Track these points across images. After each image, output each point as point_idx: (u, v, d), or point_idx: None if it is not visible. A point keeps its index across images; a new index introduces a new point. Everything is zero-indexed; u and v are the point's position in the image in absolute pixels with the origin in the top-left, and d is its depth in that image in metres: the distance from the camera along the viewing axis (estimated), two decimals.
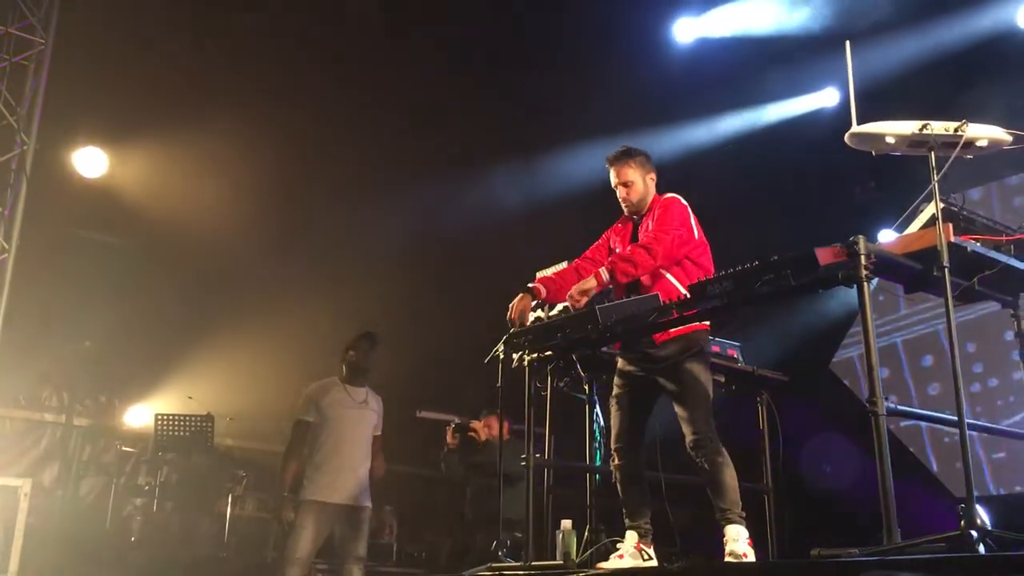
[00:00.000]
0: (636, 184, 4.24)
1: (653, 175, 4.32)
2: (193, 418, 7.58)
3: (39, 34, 7.51)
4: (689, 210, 4.17)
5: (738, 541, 3.69)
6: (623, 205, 4.32)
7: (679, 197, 4.22)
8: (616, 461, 4.12)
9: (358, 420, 5.60)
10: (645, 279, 4.02)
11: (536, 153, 8.69)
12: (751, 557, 3.68)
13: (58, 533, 7.25)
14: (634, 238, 4.24)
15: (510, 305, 4.23)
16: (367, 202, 8.82)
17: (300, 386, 6.97)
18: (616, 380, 4.20)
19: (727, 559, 3.68)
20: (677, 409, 3.93)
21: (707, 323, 4.06)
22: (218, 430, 7.71)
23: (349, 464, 5.47)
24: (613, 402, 4.18)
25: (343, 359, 5.76)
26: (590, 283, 4.02)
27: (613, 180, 4.31)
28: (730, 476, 3.81)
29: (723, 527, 3.77)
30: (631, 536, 4.02)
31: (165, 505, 7.64)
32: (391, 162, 8.73)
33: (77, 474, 8.26)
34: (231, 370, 8.25)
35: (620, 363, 4.20)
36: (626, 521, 4.09)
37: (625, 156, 4.27)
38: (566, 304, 4.40)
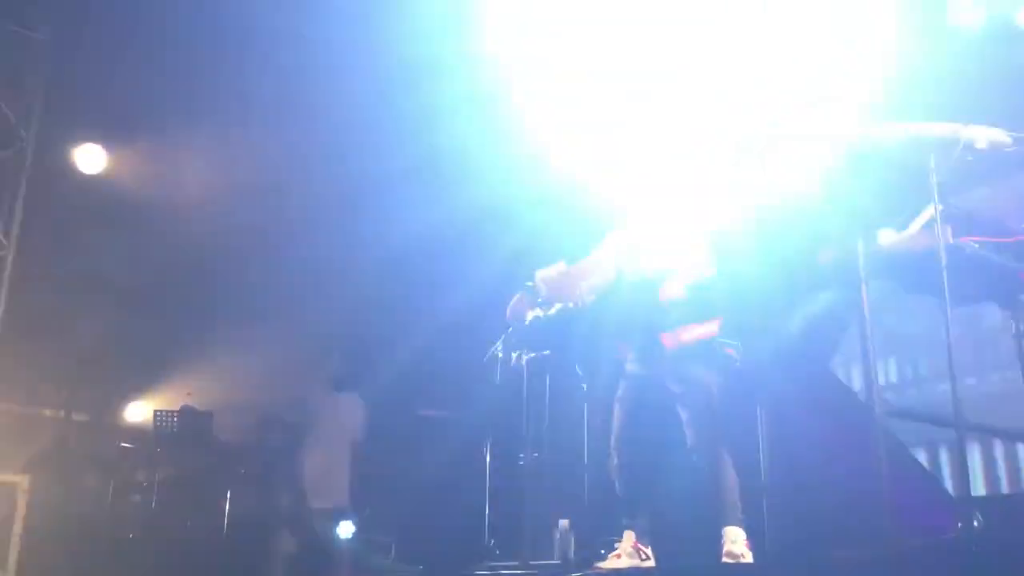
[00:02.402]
0: None
1: None
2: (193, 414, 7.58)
3: (39, 30, 7.49)
4: None
5: (736, 543, 3.69)
6: None
7: None
8: (616, 460, 4.12)
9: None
10: None
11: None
12: (749, 558, 3.68)
13: (56, 530, 7.23)
14: None
15: (510, 303, 4.23)
16: (368, 198, 8.80)
17: (300, 381, 7.03)
18: (622, 381, 4.21)
19: (724, 559, 3.69)
20: (681, 411, 3.93)
21: (715, 328, 4.05)
22: (218, 426, 7.71)
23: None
24: (617, 402, 4.18)
25: None
26: (599, 280, 4.01)
27: None
28: (730, 479, 3.81)
29: (722, 529, 3.78)
30: (629, 535, 4.02)
31: (164, 501, 7.63)
32: (387, 163, 8.70)
33: (76, 470, 8.26)
34: (232, 366, 8.25)
35: (628, 364, 4.20)
36: (624, 520, 4.09)
37: None
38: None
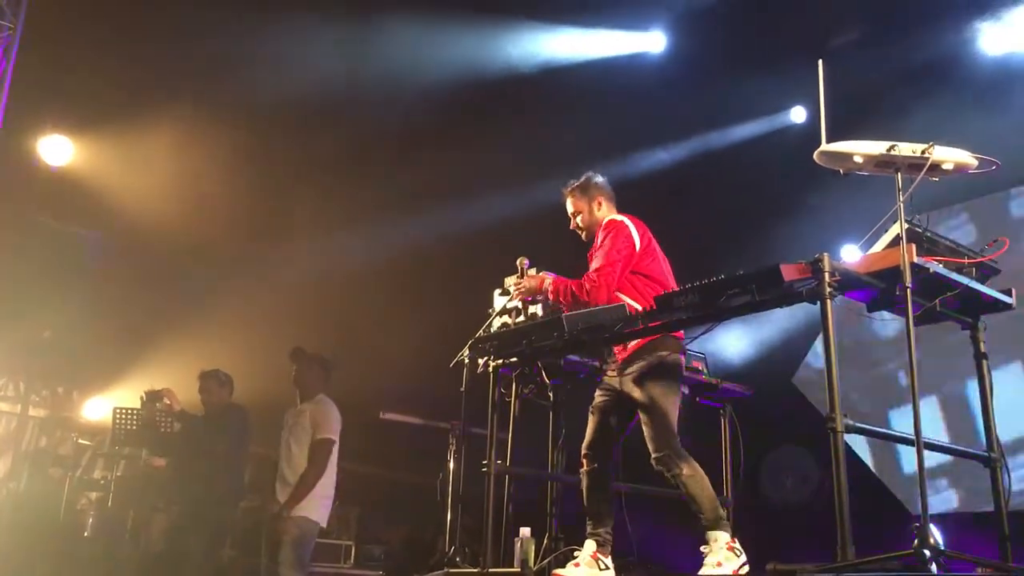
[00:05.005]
0: (582, 214, 4.39)
1: (600, 198, 4.37)
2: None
3: (7, 18, 7.38)
4: (629, 227, 4.16)
5: (715, 551, 3.69)
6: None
7: (616, 218, 4.24)
8: (584, 467, 4.12)
9: (287, 438, 6.00)
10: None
11: (498, 181, 8.71)
12: (726, 568, 3.66)
13: (10, 525, 7.12)
14: None
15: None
16: (338, 199, 8.77)
17: (263, 382, 6.95)
18: (597, 390, 4.22)
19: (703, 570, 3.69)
20: (642, 422, 3.94)
21: (679, 332, 4.06)
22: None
23: (281, 479, 5.90)
24: (591, 409, 4.19)
25: None
26: (539, 285, 4.22)
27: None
28: (699, 487, 3.80)
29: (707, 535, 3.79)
30: (589, 544, 4.01)
31: (120, 500, 7.51)
32: (361, 161, 8.69)
33: (31, 466, 8.12)
34: (193, 364, 8.16)
35: (603, 374, 4.24)
36: (587, 528, 4.08)
37: (569, 189, 4.44)
38: (534, 310, 4.43)
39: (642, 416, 3.93)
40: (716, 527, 3.75)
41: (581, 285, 4.06)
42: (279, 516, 5.73)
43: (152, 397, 6.64)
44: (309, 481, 5.79)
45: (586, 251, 4.34)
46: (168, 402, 6.54)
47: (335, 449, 5.94)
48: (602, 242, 4.16)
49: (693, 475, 3.82)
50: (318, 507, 5.83)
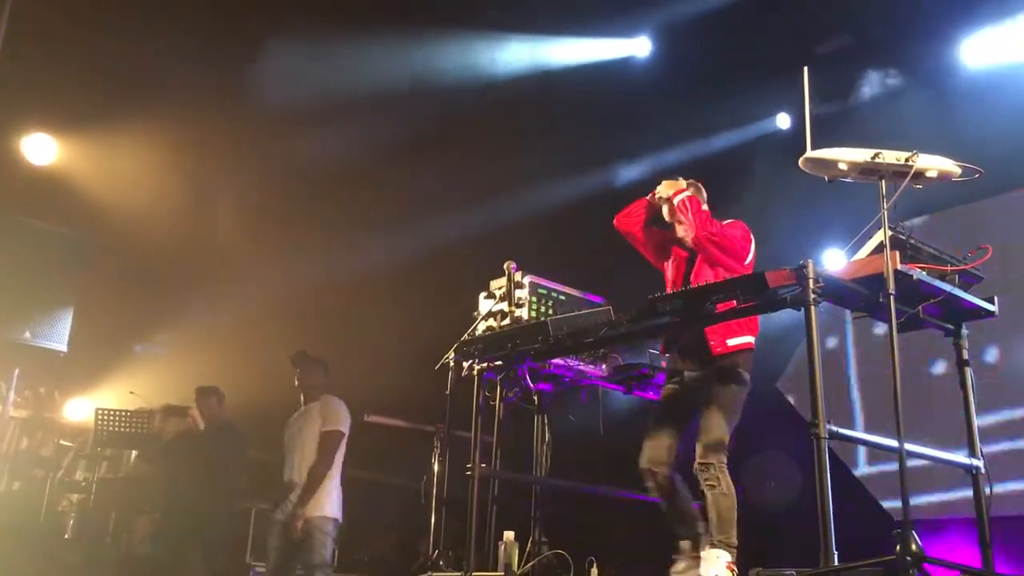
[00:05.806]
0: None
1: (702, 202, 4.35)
2: (135, 414, 7.41)
3: None
4: (751, 242, 4.19)
5: (712, 564, 3.68)
6: None
7: (742, 223, 4.26)
8: (652, 482, 4.05)
9: (293, 436, 5.84)
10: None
11: (484, 186, 8.72)
12: None
13: None
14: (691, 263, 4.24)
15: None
16: (326, 205, 8.75)
17: (249, 383, 6.93)
18: (664, 394, 4.22)
19: None
20: (703, 424, 3.91)
21: (751, 342, 4.05)
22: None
23: (288, 481, 5.73)
24: (654, 422, 4.14)
25: None
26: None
27: None
28: (724, 507, 3.78)
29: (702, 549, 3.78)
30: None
31: (102, 502, 7.46)
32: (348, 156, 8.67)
33: (12, 467, 8.05)
34: (176, 366, 8.12)
35: (667, 386, 4.21)
36: (688, 538, 3.98)
37: (679, 179, 4.37)
38: (519, 314, 4.43)
39: (705, 417, 3.89)
40: (719, 546, 3.73)
41: (702, 219, 4.09)
42: (296, 516, 5.54)
43: (172, 412, 6.63)
44: (319, 474, 5.63)
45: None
46: (192, 419, 6.56)
47: (343, 444, 5.85)
48: (728, 225, 4.17)
49: (727, 494, 3.81)
50: (332, 501, 5.71)
